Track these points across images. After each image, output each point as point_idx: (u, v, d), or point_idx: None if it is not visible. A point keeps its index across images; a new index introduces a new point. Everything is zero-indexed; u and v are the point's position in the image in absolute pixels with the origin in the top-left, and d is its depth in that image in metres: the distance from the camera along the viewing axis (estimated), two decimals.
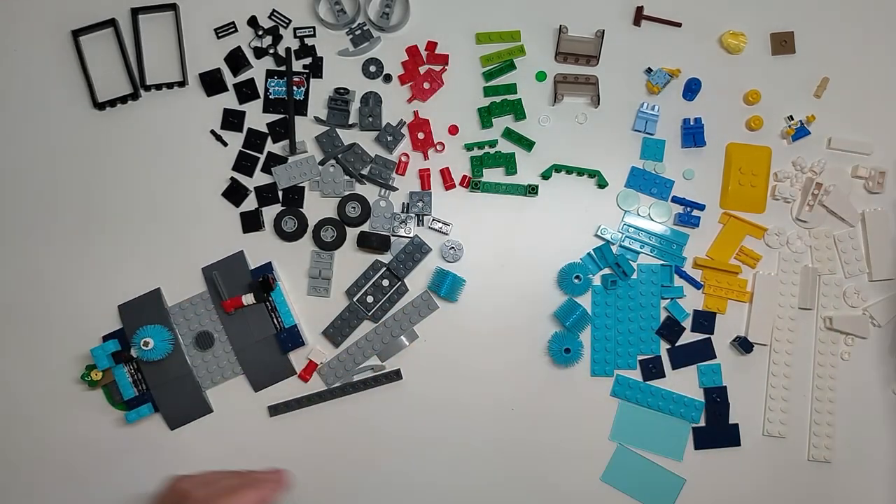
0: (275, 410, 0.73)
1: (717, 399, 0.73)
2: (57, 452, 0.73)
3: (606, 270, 0.74)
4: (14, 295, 0.75)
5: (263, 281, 0.72)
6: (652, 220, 0.75)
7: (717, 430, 0.73)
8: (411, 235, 0.74)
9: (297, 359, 0.74)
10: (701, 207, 0.75)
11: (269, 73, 0.76)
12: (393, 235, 0.74)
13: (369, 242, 0.73)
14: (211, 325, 0.73)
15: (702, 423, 0.73)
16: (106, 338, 0.73)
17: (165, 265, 0.74)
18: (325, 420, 0.73)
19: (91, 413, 0.73)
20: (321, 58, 0.76)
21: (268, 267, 0.74)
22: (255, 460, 0.73)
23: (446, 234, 0.75)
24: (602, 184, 0.75)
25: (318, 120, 0.75)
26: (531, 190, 0.74)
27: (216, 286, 0.72)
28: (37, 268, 0.75)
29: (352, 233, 0.74)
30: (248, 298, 0.72)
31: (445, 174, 0.75)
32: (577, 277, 0.73)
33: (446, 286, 0.72)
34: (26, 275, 0.75)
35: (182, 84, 0.76)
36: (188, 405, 0.73)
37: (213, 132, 0.76)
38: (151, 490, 0.65)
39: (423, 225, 0.75)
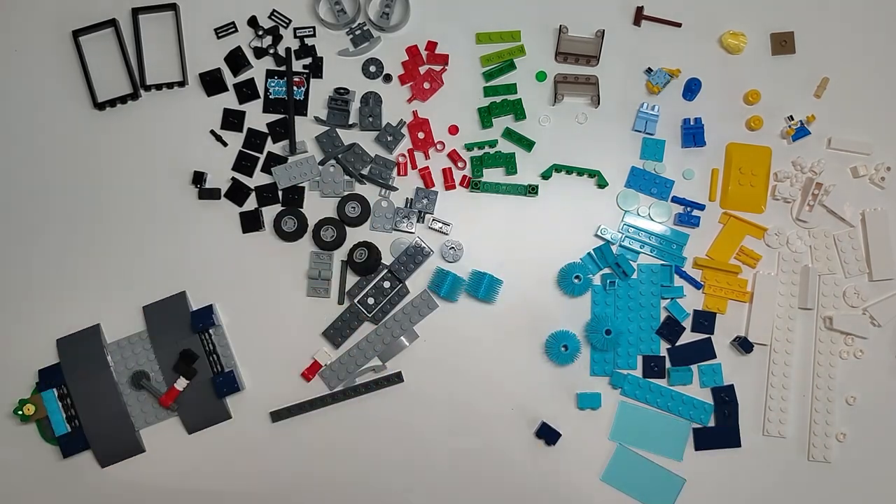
0: (277, 416, 0.73)
1: (725, 399, 0.73)
2: None
3: (606, 270, 0.74)
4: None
5: (185, 354, 0.72)
6: (652, 220, 0.75)
7: (717, 430, 0.73)
8: (412, 231, 0.74)
9: (234, 403, 0.73)
10: (701, 207, 0.75)
11: (269, 73, 0.76)
12: (395, 230, 0.75)
13: (361, 270, 0.73)
14: (147, 365, 0.73)
15: (711, 424, 0.73)
16: (42, 373, 0.73)
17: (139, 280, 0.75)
18: (328, 424, 0.73)
19: (24, 448, 0.73)
20: (321, 58, 0.76)
21: (208, 310, 0.73)
22: (259, 464, 0.73)
23: (446, 234, 0.75)
24: (602, 184, 0.75)
25: (318, 120, 0.75)
26: (531, 190, 0.74)
27: (147, 388, 0.72)
28: (34, 261, 0.75)
29: (352, 234, 0.74)
30: (181, 384, 0.72)
31: (447, 174, 0.75)
32: (576, 277, 0.72)
33: (446, 286, 0.72)
34: (29, 265, 0.75)
35: (182, 84, 0.76)
36: (120, 443, 0.72)
37: (213, 132, 0.76)
38: None
39: (423, 222, 0.75)
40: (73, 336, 0.73)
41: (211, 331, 0.73)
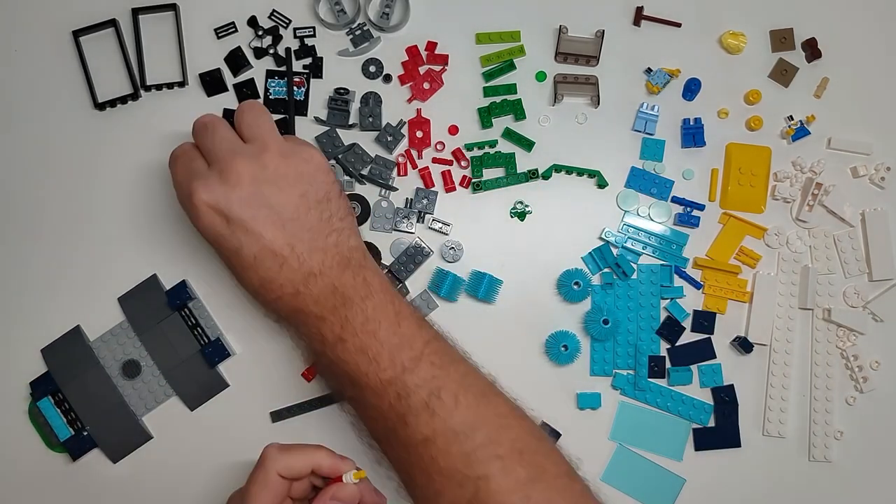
0: (277, 416, 0.73)
1: (725, 398, 0.73)
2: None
3: (606, 270, 0.74)
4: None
5: (128, 364, 0.72)
6: (652, 220, 0.75)
7: (717, 430, 0.73)
8: (412, 231, 0.74)
9: (228, 370, 0.74)
10: (701, 207, 0.75)
11: (269, 74, 0.76)
12: (395, 230, 0.75)
13: None
14: (135, 353, 0.73)
15: (711, 424, 0.73)
16: (33, 384, 0.73)
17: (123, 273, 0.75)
18: (328, 424, 0.73)
19: (32, 462, 0.73)
20: (321, 58, 0.76)
21: (181, 286, 0.73)
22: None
23: (446, 234, 0.75)
24: (602, 184, 0.75)
25: (318, 120, 0.75)
26: (532, 174, 0.74)
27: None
28: (30, 264, 0.75)
29: None
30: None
31: (446, 175, 0.75)
32: (576, 284, 0.72)
33: (446, 286, 0.72)
34: (23, 269, 0.75)
35: (182, 84, 0.76)
36: (127, 435, 0.73)
37: None
38: None
39: (423, 222, 0.75)
40: (57, 342, 0.73)
41: (189, 305, 0.73)
